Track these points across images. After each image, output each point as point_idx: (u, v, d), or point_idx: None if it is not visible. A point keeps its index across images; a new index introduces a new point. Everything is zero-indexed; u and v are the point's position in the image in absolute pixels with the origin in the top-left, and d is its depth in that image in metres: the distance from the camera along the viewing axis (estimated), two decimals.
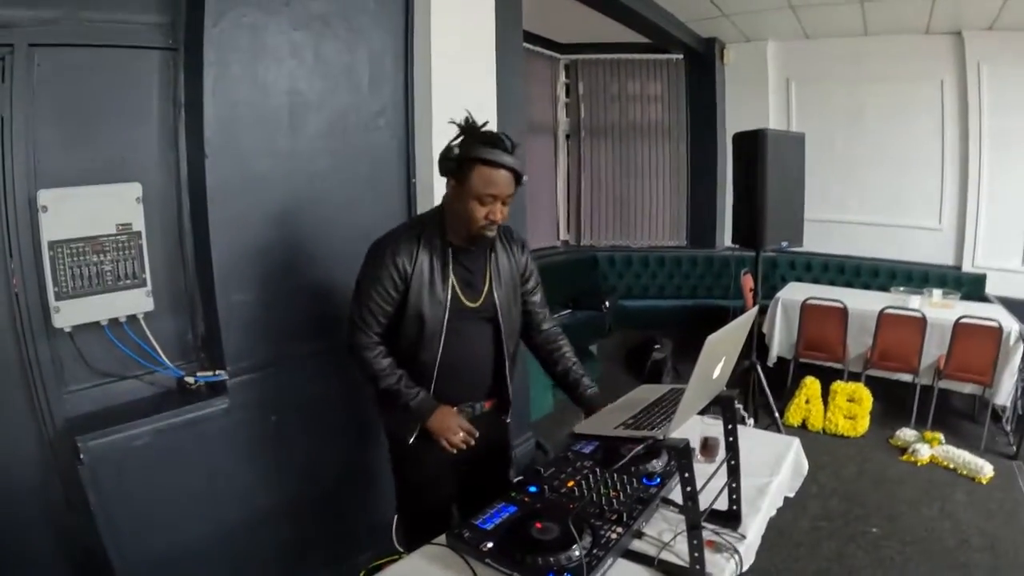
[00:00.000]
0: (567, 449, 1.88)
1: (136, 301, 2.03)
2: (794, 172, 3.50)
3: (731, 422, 1.58)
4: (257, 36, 2.17)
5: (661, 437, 1.30)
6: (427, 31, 2.61)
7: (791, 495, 2.12)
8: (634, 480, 1.65)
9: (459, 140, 1.75)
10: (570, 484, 1.64)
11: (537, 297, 2.08)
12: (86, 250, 1.92)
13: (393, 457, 2.03)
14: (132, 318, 2.03)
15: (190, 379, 2.15)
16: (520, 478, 1.70)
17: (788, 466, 2.08)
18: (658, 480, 1.66)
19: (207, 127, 2.06)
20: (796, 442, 2.19)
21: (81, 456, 1.85)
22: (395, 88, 2.65)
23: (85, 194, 1.92)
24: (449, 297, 1.82)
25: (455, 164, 1.73)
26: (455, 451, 1.86)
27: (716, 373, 1.37)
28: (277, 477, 2.36)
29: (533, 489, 1.62)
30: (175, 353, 2.17)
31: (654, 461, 1.73)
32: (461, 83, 2.74)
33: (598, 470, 1.71)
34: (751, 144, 3.39)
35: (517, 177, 1.75)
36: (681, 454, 1.28)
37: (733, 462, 1.60)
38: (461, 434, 1.85)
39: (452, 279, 1.83)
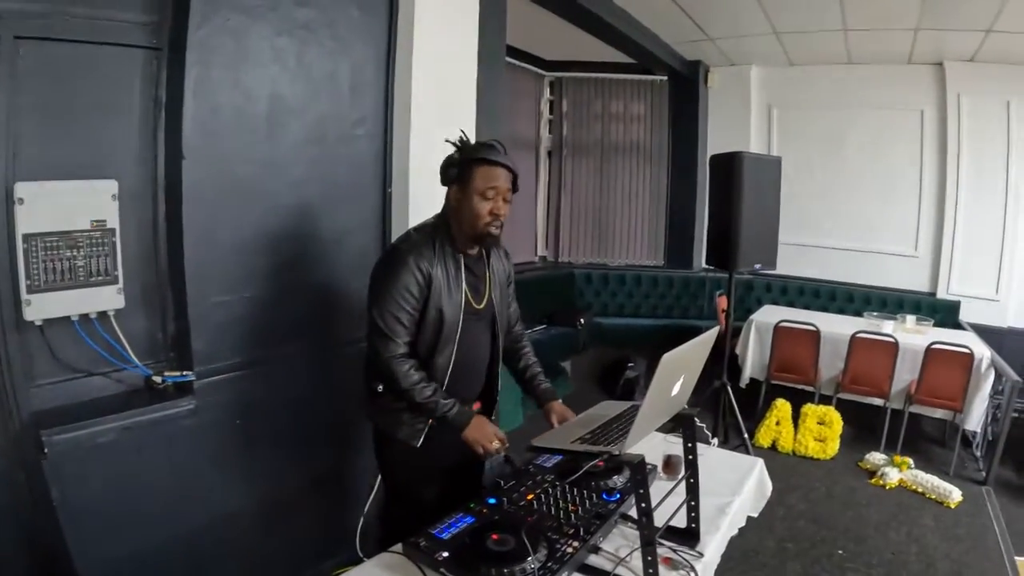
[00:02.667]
0: (528, 463, 1.89)
1: (107, 298, 2.02)
2: (770, 195, 3.56)
3: (691, 440, 1.61)
4: (241, 40, 2.18)
5: (617, 452, 1.32)
6: (409, 43, 2.63)
7: (754, 515, 2.14)
8: (594, 495, 1.67)
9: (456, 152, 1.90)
10: (529, 497, 1.65)
11: (515, 302, 2.23)
12: (60, 245, 1.91)
13: (383, 460, 2.08)
14: (103, 314, 2.02)
15: (158, 378, 2.13)
16: (482, 491, 1.71)
17: (751, 486, 2.10)
18: (618, 496, 1.67)
19: (186, 128, 2.06)
20: (760, 463, 2.21)
21: (45, 450, 1.83)
22: (375, 98, 2.66)
23: (62, 189, 1.91)
24: (463, 300, 1.92)
25: (457, 169, 1.87)
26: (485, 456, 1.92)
27: (675, 391, 1.39)
28: (242, 480, 2.35)
29: (492, 501, 1.63)
30: (144, 352, 2.15)
31: (615, 477, 1.74)
32: (441, 95, 2.77)
33: (558, 484, 1.72)
34: (728, 166, 3.44)
35: (514, 177, 1.90)
36: (636, 470, 1.30)
37: (692, 480, 1.62)
38: (496, 441, 1.90)
39: (463, 284, 1.92)
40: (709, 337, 1.52)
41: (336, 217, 2.55)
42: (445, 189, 1.95)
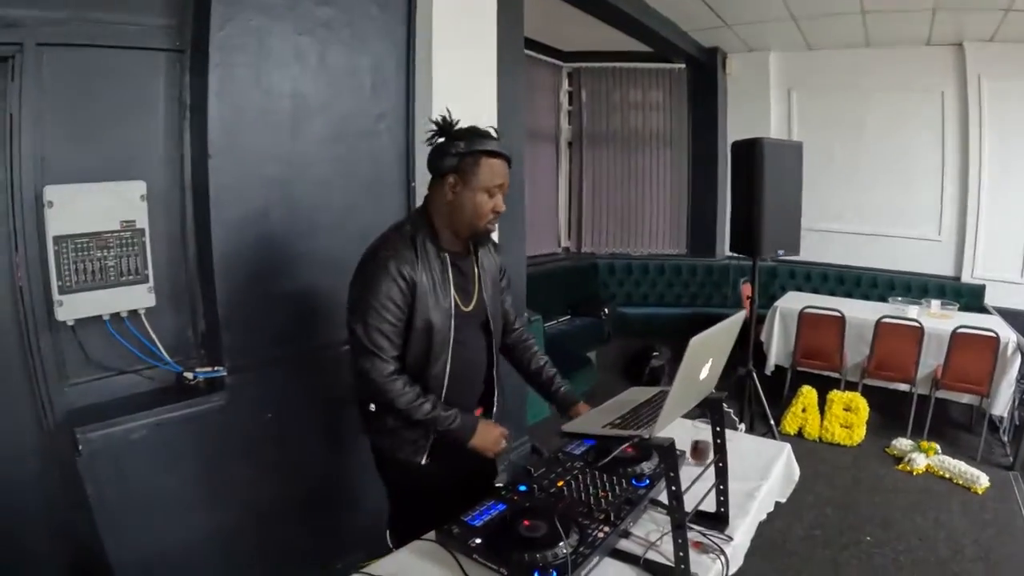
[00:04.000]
0: (558, 450, 1.90)
1: (138, 297, 2.07)
2: (792, 181, 3.53)
3: (719, 424, 1.60)
4: (262, 40, 2.21)
5: (647, 436, 1.32)
6: (428, 37, 2.65)
7: (782, 500, 2.12)
8: (623, 481, 1.67)
9: (445, 138, 1.73)
10: (559, 484, 1.65)
11: (510, 296, 2.07)
12: (90, 245, 1.96)
13: (386, 479, 1.95)
14: (133, 313, 2.07)
15: (189, 375, 2.18)
16: (511, 478, 1.73)
17: (779, 472, 2.08)
18: (647, 482, 1.67)
19: (211, 129, 2.10)
20: (787, 448, 2.19)
21: (79, 447, 1.87)
22: (396, 93, 2.69)
23: (90, 191, 1.96)
24: (452, 305, 1.77)
25: (457, 160, 1.69)
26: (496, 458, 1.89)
27: (703, 375, 1.39)
28: (272, 474, 2.39)
29: (523, 488, 1.63)
30: (175, 349, 2.20)
31: (644, 463, 1.74)
32: (462, 89, 2.78)
33: (588, 470, 1.73)
34: (749, 152, 3.41)
35: (509, 167, 1.78)
36: (666, 453, 1.30)
37: (721, 464, 1.62)
38: (503, 441, 1.85)
39: (451, 287, 1.77)
40: (736, 321, 1.51)
41: (361, 211, 2.57)
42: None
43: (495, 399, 1.99)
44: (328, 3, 2.39)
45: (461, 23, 2.77)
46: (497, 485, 1.67)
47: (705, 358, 1.35)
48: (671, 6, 5.14)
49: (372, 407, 1.82)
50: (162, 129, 2.14)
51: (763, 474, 1.98)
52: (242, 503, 2.29)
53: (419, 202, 2.71)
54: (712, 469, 1.63)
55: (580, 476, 1.70)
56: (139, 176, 2.06)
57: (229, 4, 2.10)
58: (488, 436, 1.81)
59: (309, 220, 2.42)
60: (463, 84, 2.79)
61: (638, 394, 1.75)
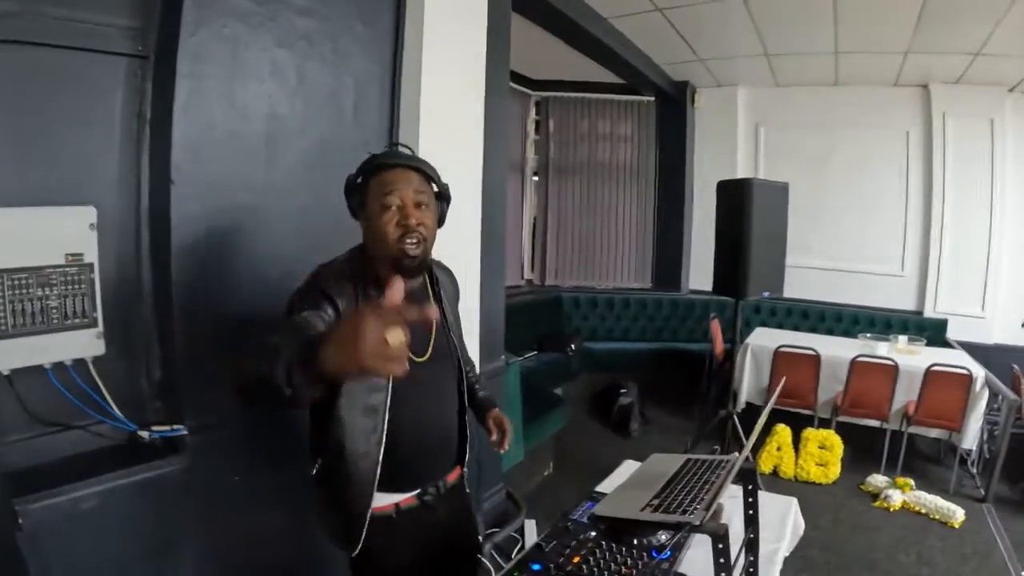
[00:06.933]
0: (564, 518, 1.71)
1: (85, 343, 1.79)
2: (778, 221, 3.50)
3: (752, 495, 1.45)
4: (237, 51, 1.97)
5: (698, 523, 1.16)
6: (417, 61, 2.47)
7: (787, 555, 2.02)
8: (644, 554, 1.50)
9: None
10: (576, 560, 1.47)
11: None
12: (30, 282, 1.69)
13: (351, 563, 1.63)
14: (79, 362, 1.79)
15: (144, 433, 1.89)
16: (522, 555, 1.53)
17: (790, 528, 2.00)
18: (668, 553, 1.51)
19: (175, 149, 1.84)
20: (794, 503, 2.13)
21: (20, 521, 1.59)
22: (380, 119, 2.48)
23: (31, 217, 1.69)
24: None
25: (355, 192, 1.51)
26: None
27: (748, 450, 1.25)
28: (240, 547, 2.09)
29: (536, 567, 1.44)
30: (127, 402, 1.91)
31: (661, 532, 1.58)
32: (449, 120, 2.61)
33: (603, 543, 1.55)
34: (736, 192, 3.37)
35: (426, 178, 1.52)
36: (719, 540, 1.14)
37: (753, 536, 1.47)
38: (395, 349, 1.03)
39: None
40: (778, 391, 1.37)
41: (341, 248, 2.32)
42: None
43: (467, 453, 1.74)
44: (309, 13, 2.16)
45: (451, 47, 2.61)
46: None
47: (756, 433, 1.20)
48: (645, 37, 5.13)
49: (316, 466, 1.56)
50: (118, 147, 1.87)
51: (779, 535, 1.89)
52: None
53: None
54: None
55: (596, 550, 1.52)
56: (89, 200, 1.80)
57: (203, 7, 1.85)
58: (354, 338, 0.96)
59: (284, 256, 2.13)
60: (450, 113, 2.62)
61: (663, 464, 1.59)
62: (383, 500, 1.55)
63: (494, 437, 1.78)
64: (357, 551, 1.53)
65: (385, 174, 1.47)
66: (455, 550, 1.75)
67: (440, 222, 1.57)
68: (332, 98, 2.29)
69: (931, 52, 4.81)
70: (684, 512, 1.23)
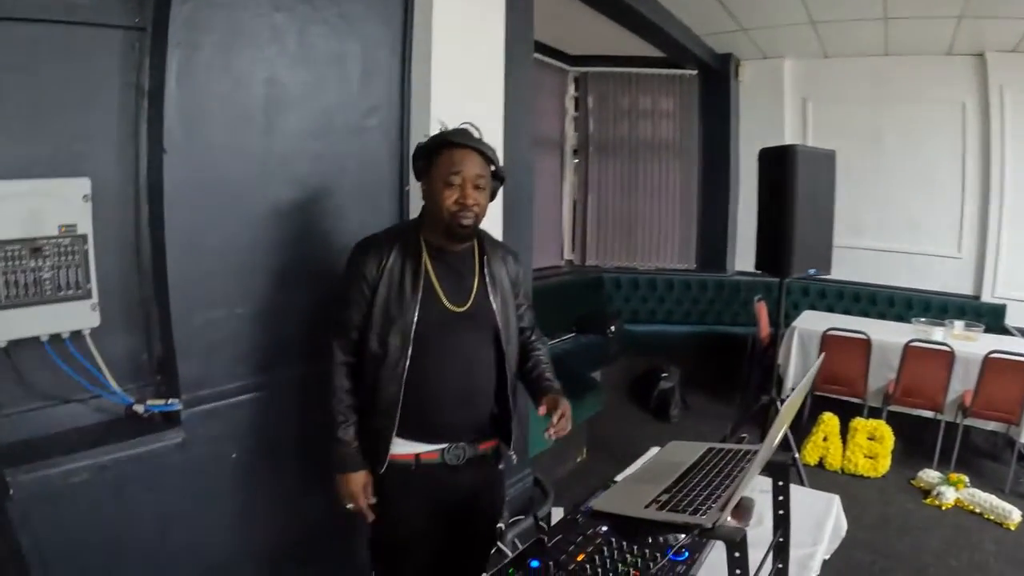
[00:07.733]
0: (575, 509, 1.58)
1: (80, 315, 1.74)
2: (825, 193, 3.28)
3: (783, 493, 1.30)
4: (233, 16, 1.89)
5: (710, 526, 1.01)
6: (428, 23, 2.34)
7: (827, 558, 1.86)
8: (657, 554, 1.35)
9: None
10: (579, 558, 1.34)
11: (529, 315, 1.98)
12: (22, 254, 1.65)
13: (373, 542, 1.88)
14: (76, 334, 1.75)
15: (140, 407, 1.85)
16: (521, 549, 1.41)
17: (829, 530, 1.85)
18: (686, 554, 1.36)
19: (167, 118, 1.78)
20: (836, 501, 1.99)
21: (11, 491, 1.57)
22: (390, 85, 2.37)
23: (24, 189, 1.64)
24: (419, 304, 1.69)
25: (423, 159, 1.73)
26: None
27: (778, 439, 1.09)
28: (240, 524, 2.06)
29: (535, 564, 1.32)
30: (125, 376, 1.87)
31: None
32: (465, 85, 2.49)
33: (613, 540, 1.41)
34: (779, 161, 3.16)
35: (487, 160, 1.71)
36: (736, 548, 0.99)
37: (783, 539, 1.32)
38: (355, 502, 1.74)
39: (431, 281, 1.72)
40: (812, 373, 1.22)
41: (346, 220, 2.25)
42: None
43: (511, 426, 1.84)
44: None
45: (467, 9, 2.47)
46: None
47: (787, 417, 1.04)
48: (686, 8, 4.93)
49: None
50: (114, 118, 1.82)
51: (816, 537, 1.75)
52: (203, 559, 1.97)
53: (414, 209, 2.46)
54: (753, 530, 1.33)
55: (604, 548, 1.39)
56: (84, 172, 1.74)
57: None
58: (347, 484, 1.73)
59: (285, 229, 2.09)
60: (467, 79, 2.49)
61: (680, 453, 1.43)
62: (404, 447, 1.72)
63: (542, 412, 1.77)
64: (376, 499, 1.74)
65: (453, 152, 1.68)
66: (473, 522, 1.84)
67: (491, 197, 1.78)
68: (337, 63, 2.19)
69: (985, 17, 4.51)
70: (696, 512, 1.08)
